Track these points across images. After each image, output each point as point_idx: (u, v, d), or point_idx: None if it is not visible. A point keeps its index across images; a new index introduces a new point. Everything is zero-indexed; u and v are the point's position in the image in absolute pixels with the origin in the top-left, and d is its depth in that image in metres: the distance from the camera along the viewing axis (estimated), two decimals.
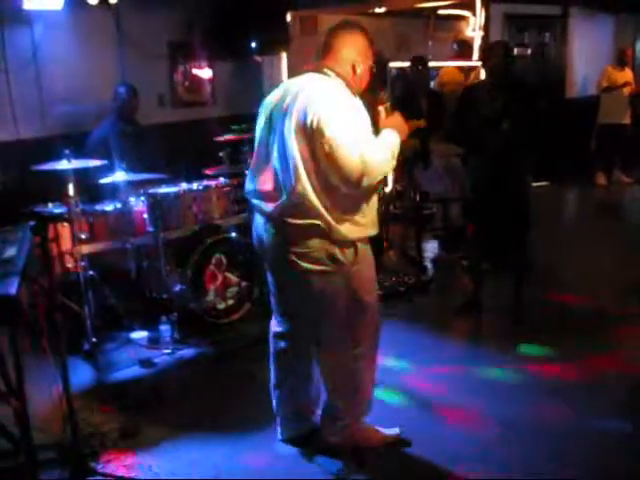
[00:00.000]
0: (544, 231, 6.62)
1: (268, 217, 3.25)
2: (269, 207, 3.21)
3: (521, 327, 5.14)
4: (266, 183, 3.23)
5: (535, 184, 8.02)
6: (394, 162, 3.17)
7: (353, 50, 3.23)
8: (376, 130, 3.25)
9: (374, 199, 3.28)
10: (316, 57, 3.30)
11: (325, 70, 3.21)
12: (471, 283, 5.51)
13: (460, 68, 8.52)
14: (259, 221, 3.34)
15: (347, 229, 3.15)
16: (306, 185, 3.05)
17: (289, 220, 3.12)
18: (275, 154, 3.16)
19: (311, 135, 3.01)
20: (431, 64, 8.28)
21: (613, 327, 5.10)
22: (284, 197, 3.12)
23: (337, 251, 3.16)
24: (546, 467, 3.42)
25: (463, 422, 3.85)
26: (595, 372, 4.39)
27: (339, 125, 2.99)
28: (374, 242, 3.46)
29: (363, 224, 3.21)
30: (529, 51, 10.05)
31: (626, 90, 9.89)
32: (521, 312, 5.23)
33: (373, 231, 3.30)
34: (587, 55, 10.62)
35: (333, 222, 3.10)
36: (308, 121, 3.01)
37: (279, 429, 3.69)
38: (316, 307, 3.30)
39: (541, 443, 3.61)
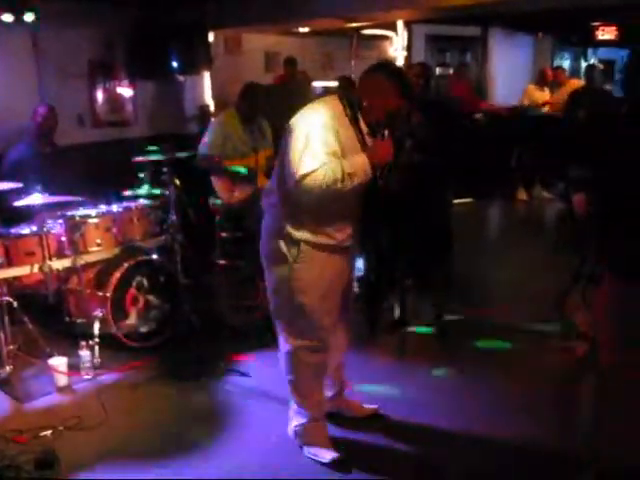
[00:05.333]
0: (466, 246, 6.72)
1: None
2: None
3: (443, 342, 5.23)
4: None
5: (458, 201, 8.16)
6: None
7: None
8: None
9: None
10: None
11: None
12: (395, 299, 5.54)
13: None
14: None
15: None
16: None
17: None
18: None
19: None
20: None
21: (529, 342, 5.21)
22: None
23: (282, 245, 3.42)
24: None
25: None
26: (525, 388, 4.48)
27: None
28: None
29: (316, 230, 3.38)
30: (451, 71, 10.25)
31: (545, 109, 10.15)
32: (442, 328, 5.31)
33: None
34: (507, 74, 10.87)
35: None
36: None
37: None
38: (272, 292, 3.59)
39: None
